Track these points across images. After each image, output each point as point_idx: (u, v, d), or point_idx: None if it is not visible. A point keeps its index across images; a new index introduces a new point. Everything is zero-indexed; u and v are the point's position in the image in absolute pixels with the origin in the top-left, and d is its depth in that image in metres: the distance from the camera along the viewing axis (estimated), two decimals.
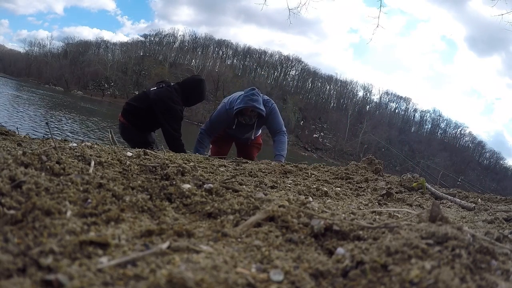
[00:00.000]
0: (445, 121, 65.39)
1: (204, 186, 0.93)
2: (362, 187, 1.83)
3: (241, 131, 3.28)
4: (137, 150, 1.53)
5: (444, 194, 1.85)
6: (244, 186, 1.12)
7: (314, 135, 56.12)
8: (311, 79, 64.63)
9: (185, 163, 1.29)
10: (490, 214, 1.42)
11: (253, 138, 3.38)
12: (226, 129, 3.31)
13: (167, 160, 1.23)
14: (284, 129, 3.29)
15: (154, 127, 3.24)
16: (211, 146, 3.48)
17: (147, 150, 1.45)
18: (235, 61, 68.10)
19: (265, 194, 0.94)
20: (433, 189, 1.95)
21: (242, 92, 3.19)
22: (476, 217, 1.38)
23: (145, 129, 3.18)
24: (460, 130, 64.62)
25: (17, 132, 2.11)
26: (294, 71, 65.43)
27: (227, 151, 3.56)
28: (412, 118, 65.68)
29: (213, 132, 3.27)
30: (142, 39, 70.33)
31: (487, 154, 63.66)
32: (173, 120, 3.06)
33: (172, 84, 3.22)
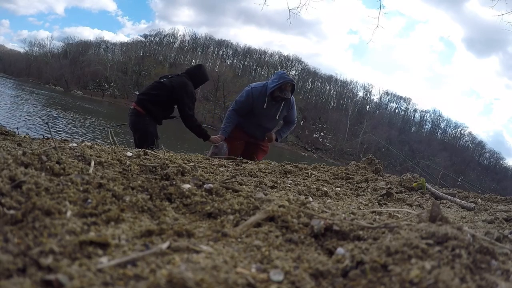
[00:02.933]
0: (445, 121, 65.42)
1: (204, 186, 0.93)
2: (362, 187, 1.83)
3: (268, 113, 3.47)
4: (137, 150, 1.53)
5: (444, 194, 1.85)
6: (244, 186, 1.12)
7: (314, 135, 56.06)
8: (311, 79, 64.54)
9: (185, 163, 1.29)
10: (490, 214, 1.42)
11: (277, 117, 3.55)
12: (253, 113, 3.46)
13: (167, 160, 1.23)
14: (296, 120, 3.83)
15: (168, 115, 3.58)
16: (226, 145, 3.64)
17: (147, 150, 1.45)
18: (235, 61, 68.07)
19: (265, 194, 0.94)
20: (433, 189, 1.95)
21: (265, 82, 3.54)
22: (476, 217, 1.38)
23: (160, 118, 3.50)
24: (460, 130, 64.65)
25: (17, 132, 2.11)
26: (294, 71, 65.37)
27: (239, 152, 3.66)
28: (412, 118, 65.69)
29: (240, 112, 3.53)
30: (142, 39, 70.25)
31: (487, 154, 63.68)
32: (191, 102, 3.49)
33: (178, 74, 3.65)
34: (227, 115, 3.60)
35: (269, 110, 3.47)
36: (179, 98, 3.42)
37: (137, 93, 3.71)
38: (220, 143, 3.40)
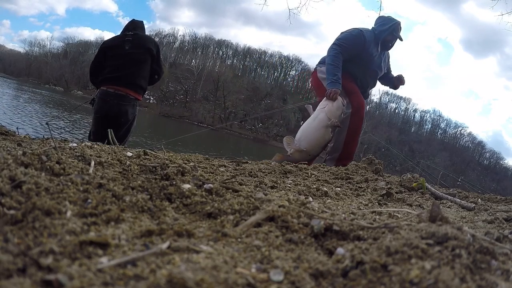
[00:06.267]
0: (445, 121, 65.51)
1: (204, 186, 0.93)
2: (362, 187, 1.83)
3: (379, 63, 3.21)
4: (137, 150, 1.52)
5: (444, 194, 1.85)
6: (244, 186, 1.12)
7: None
8: (311, 79, 64.45)
9: (185, 163, 1.29)
10: (490, 214, 1.42)
11: (385, 69, 3.33)
12: (358, 61, 3.05)
13: (167, 160, 1.23)
14: None
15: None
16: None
17: (147, 150, 1.45)
18: (235, 61, 68.14)
19: (265, 194, 0.94)
20: (433, 189, 1.95)
21: (364, 28, 3.11)
22: (476, 217, 1.38)
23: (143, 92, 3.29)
24: (460, 130, 64.70)
25: (17, 132, 2.11)
26: (294, 71, 65.40)
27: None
28: (412, 118, 65.75)
29: (345, 54, 2.99)
30: None
31: (487, 154, 63.77)
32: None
33: (127, 33, 3.27)
34: (332, 56, 2.87)
35: (380, 60, 3.12)
36: (158, 58, 3.17)
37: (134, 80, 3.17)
38: (344, 101, 2.64)
